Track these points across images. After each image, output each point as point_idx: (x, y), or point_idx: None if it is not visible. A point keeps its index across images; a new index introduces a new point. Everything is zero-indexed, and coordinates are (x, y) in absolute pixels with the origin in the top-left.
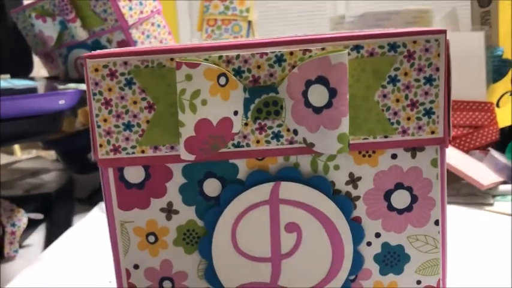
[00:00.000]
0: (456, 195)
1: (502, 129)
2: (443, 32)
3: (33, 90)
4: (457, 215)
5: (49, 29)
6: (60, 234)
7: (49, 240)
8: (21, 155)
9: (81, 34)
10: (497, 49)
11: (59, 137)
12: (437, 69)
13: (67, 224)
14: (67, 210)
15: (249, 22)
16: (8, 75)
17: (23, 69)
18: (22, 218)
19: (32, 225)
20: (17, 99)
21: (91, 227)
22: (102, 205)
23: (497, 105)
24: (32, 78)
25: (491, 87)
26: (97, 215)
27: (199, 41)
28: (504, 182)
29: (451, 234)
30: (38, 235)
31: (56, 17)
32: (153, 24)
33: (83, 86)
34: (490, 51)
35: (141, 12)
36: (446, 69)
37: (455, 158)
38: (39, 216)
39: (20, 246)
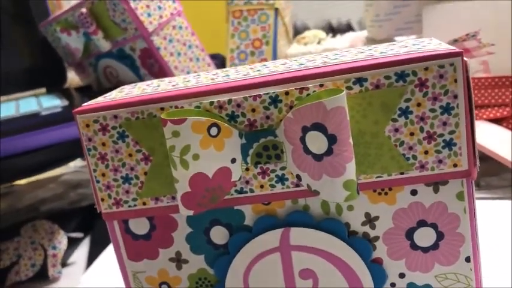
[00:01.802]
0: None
1: None
2: (460, 54)
3: (52, 121)
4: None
5: (75, 41)
6: (102, 250)
7: (92, 257)
8: (65, 168)
9: (105, 45)
10: None
11: None
12: (455, 97)
13: (109, 239)
14: None
15: (276, 9)
16: (44, 89)
17: (57, 81)
18: (62, 240)
19: (75, 241)
20: (20, 138)
21: None
22: None
23: None
24: (66, 91)
25: None
26: None
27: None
28: None
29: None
30: (82, 251)
31: (80, 29)
32: (174, 27)
33: None
34: None
35: (161, 16)
36: (466, 95)
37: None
38: (79, 235)
39: (64, 265)
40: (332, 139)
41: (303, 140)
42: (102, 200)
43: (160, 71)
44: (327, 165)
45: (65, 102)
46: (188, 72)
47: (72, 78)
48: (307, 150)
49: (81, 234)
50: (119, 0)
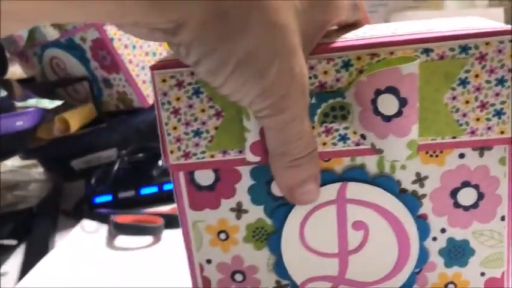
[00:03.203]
0: None
1: None
2: None
3: None
4: None
5: None
6: (38, 259)
7: (26, 267)
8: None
9: (52, 33)
10: None
11: (37, 146)
12: (510, 70)
13: (46, 247)
14: (47, 230)
15: None
16: None
17: None
18: None
19: (8, 249)
20: None
21: (71, 251)
22: (83, 223)
23: None
24: (6, 82)
25: None
26: (78, 236)
27: None
28: None
29: None
30: (16, 260)
31: None
32: None
33: (43, 103)
34: None
35: None
36: None
37: None
38: (12, 242)
39: None
40: (403, 102)
41: (374, 101)
42: (171, 152)
43: (113, 64)
44: (395, 125)
45: (3, 93)
46: (143, 68)
47: (14, 72)
48: (376, 111)
49: (15, 242)
50: None
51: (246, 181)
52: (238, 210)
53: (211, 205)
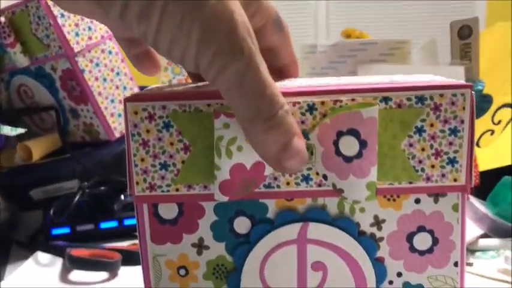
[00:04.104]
0: None
1: (483, 173)
2: (469, 86)
3: None
4: None
5: None
6: None
7: None
8: None
9: (22, 61)
10: (477, 83)
11: None
12: (462, 122)
13: None
14: None
15: None
16: None
17: None
18: None
19: None
20: None
21: (22, 284)
22: (38, 255)
23: (478, 145)
24: None
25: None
26: (31, 268)
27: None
28: (484, 235)
29: None
30: None
31: None
32: (103, 51)
33: (5, 130)
34: None
35: (90, 38)
36: (470, 121)
37: None
38: None
39: None
40: (363, 144)
41: (336, 143)
42: (137, 183)
43: (82, 95)
44: (355, 166)
45: None
46: (113, 101)
47: None
48: (338, 152)
49: None
50: (46, 13)
51: (210, 217)
52: (200, 246)
53: (173, 239)
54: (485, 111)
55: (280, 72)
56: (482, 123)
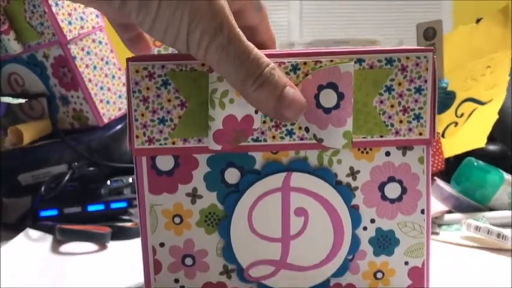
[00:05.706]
0: None
1: (447, 159)
2: (431, 50)
3: None
4: None
5: None
6: None
7: None
8: None
9: (15, 47)
10: (442, 81)
11: None
12: (426, 81)
13: None
14: None
15: None
16: None
17: None
18: None
19: None
20: None
21: (13, 258)
22: (28, 232)
23: (443, 136)
24: None
25: (437, 118)
26: (21, 243)
27: None
28: (449, 211)
29: None
30: None
31: None
32: (94, 40)
33: (6, 99)
34: None
35: (82, 27)
36: (432, 81)
37: None
38: None
39: None
40: (341, 96)
41: (317, 96)
42: (137, 137)
43: (73, 81)
44: (334, 117)
45: None
46: (102, 88)
47: None
48: (319, 105)
49: None
50: (41, 1)
51: (203, 168)
52: (194, 195)
53: (169, 190)
54: (449, 106)
55: (260, 48)
56: (447, 116)
